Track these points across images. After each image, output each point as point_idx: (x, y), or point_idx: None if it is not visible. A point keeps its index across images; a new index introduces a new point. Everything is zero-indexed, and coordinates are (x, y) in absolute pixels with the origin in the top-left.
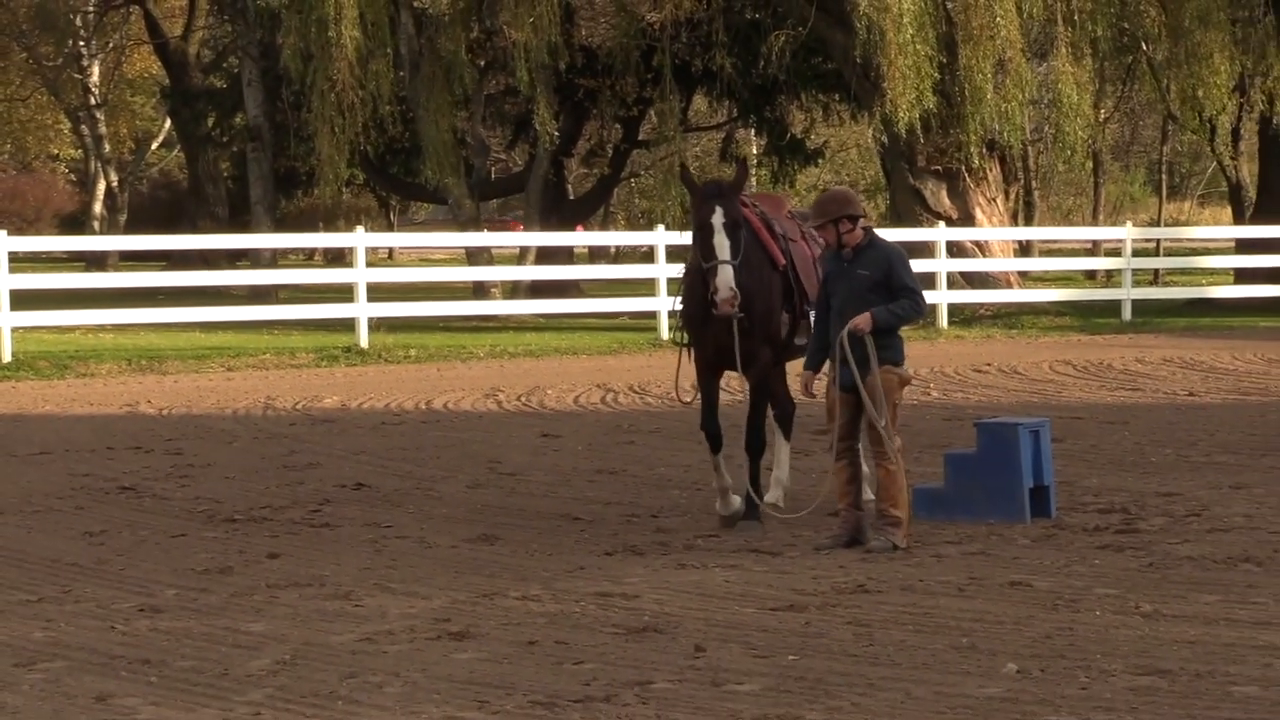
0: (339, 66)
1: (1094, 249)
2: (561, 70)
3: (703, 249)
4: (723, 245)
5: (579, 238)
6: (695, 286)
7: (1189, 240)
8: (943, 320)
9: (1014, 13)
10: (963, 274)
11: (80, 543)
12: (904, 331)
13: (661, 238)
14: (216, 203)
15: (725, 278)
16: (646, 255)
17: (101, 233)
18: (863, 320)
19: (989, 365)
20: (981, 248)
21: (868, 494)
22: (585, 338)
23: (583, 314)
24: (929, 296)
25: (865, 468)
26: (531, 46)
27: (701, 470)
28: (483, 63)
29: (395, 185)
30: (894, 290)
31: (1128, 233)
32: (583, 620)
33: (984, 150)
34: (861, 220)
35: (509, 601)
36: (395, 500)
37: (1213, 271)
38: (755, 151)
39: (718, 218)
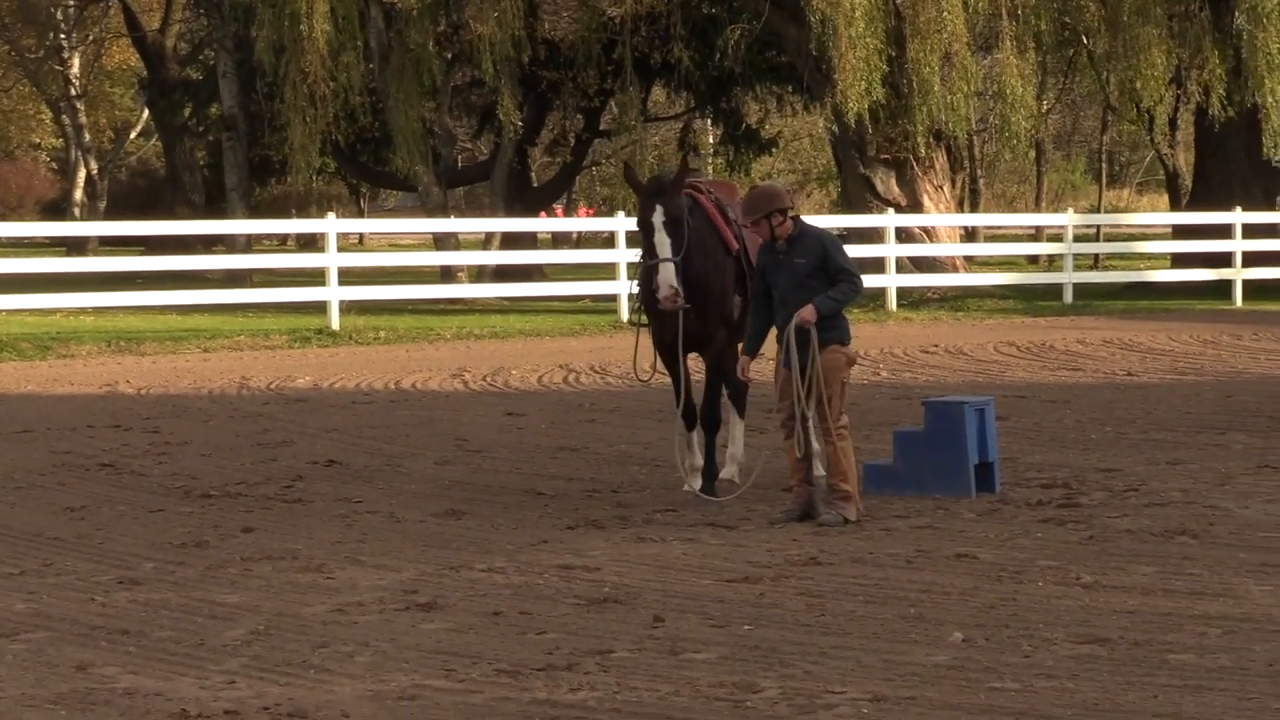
0: (310, 59)
1: (1037, 234)
2: (525, 63)
3: (645, 247)
4: (663, 243)
5: (548, 223)
6: (650, 273)
7: (1128, 226)
8: (892, 303)
9: (960, 8)
10: (911, 259)
11: (61, 517)
12: (855, 313)
13: (621, 224)
14: (193, 190)
15: (666, 275)
16: (607, 241)
17: (82, 219)
18: (808, 312)
19: (936, 346)
20: (929, 233)
21: (819, 470)
22: (548, 320)
23: (546, 297)
24: (879, 280)
25: (815, 445)
26: (496, 40)
27: (660, 447)
28: (449, 55)
29: (365, 173)
30: (831, 274)
31: (1069, 219)
32: (546, 592)
33: (931, 140)
34: (790, 211)
35: (475, 574)
36: (365, 476)
37: (1150, 256)
38: (711, 141)
39: (658, 216)
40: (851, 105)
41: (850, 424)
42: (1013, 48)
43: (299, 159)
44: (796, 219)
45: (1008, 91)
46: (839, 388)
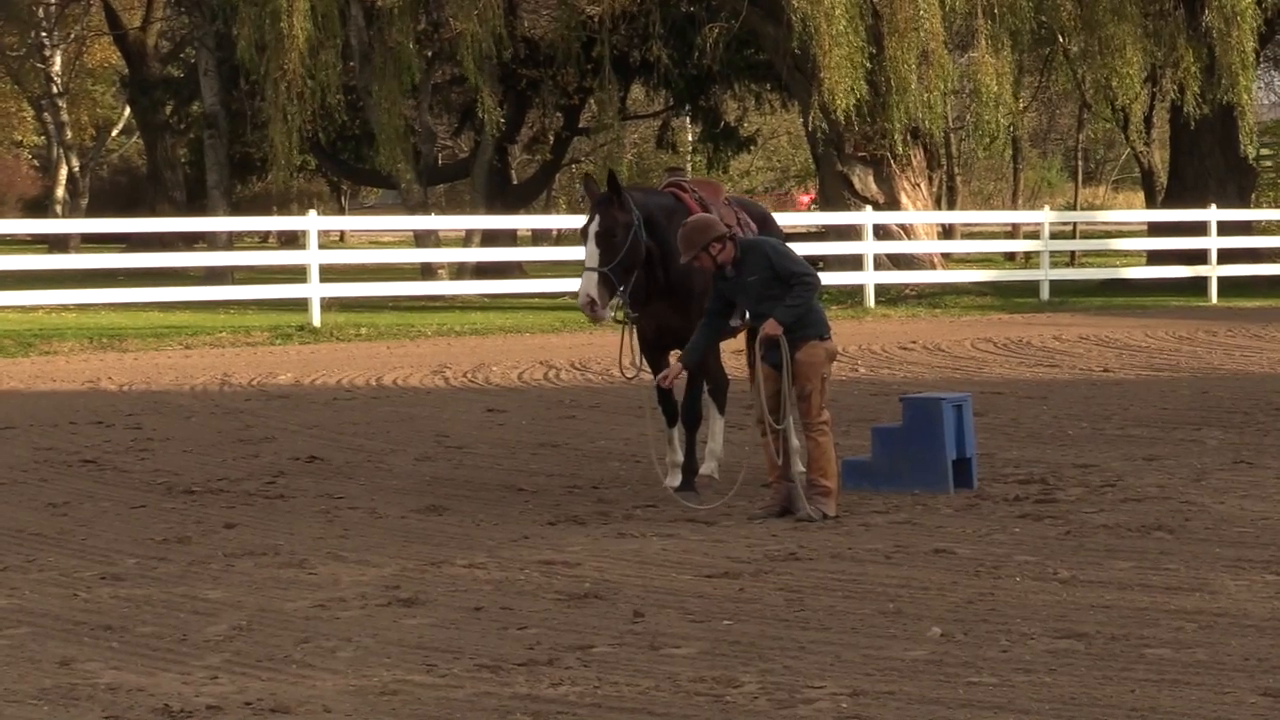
0: (290, 57)
1: (1013, 232)
2: (505, 61)
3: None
4: (592, 253)
5: (528, 220)
6: None
7: (1104, 224)
8: (870, 300)
9: (936, 6)
10: (889, 256)
11: (44, 513)
12: (833, 310)
13: None
14: (174, 187)
15: (586, 284)
16: None
17: (63, 216)
18: (771, 327)
19: (914, 343)
20: (906, 230)
21: (799, 465)
22: (529, 317)
23: (526, 294)
24: (857, 278)
25: (795, 441)
26: (477, 38)
27: (641, 443)
28: (430, 53)
29: (346, 171)
30: (784, 280)
31: (1045, 216)
32: (526, 587)
33: (908, 138)
34: (727, 235)
35: (456, 569)
36: (347, 472)
37: (1126, 253)
38: (690, 139)
39: (593, 226)
40: (840, 102)
41: (830, 420)
42: (989, 46)
43: (279, 156)
44: (734, 239)
45: (983, 90)
46: (819, 383)
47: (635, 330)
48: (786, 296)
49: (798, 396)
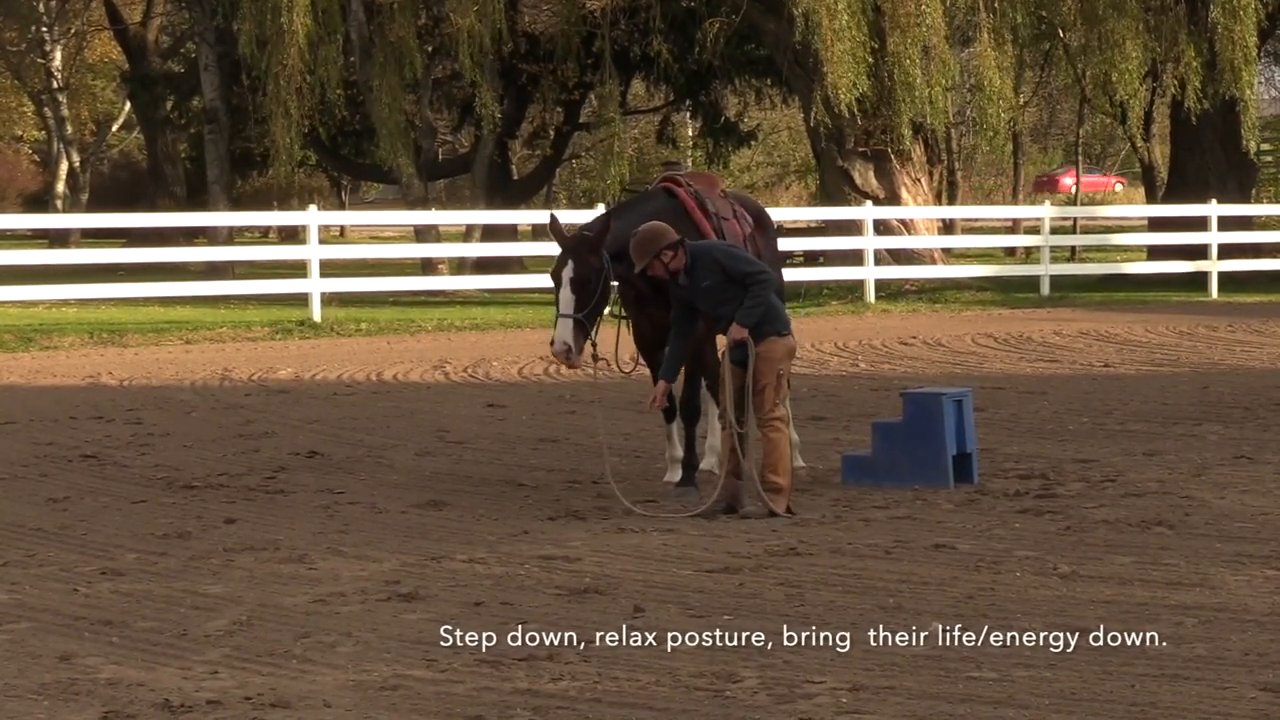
0: (290, 52)
1: (1014, 227)
2: (506, 55)
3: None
4: (566, 300)
5: (528, 216)
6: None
7: (1104, 219)
8: (870, 295)
9: (938, 1)
10: (889, 251)
11: (44, 508)
12: (833, 305)
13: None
14: (175, 182)
15: (560, 332)
16: None
17: (64, 211)
18: (736, 332)
19: (914, 338)
20: (907, 226)
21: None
22: (529, 312)
23: (526, 289)
24: (857, 273)
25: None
26: (477, 33)
27: (640, 438)
28: (430, 48)
29: (346, 166)
30: (739, 281)
31: (1046, 211)
32: (527, 582)
33: (910, 132)
34: (677, 243)
35: (456, 564)
36: (347, 468)
37: (1127, 249)
38: (690, 134)
39: (566, 272)
40: (843, 97)
41: (786, 416)
42: (990, 41)
43: (280, 151)
44: (684, 245)
45: (985, 84)
46: (774, 378)
47: (633, 327)
48: (745, 297)
49: (753, 391)
